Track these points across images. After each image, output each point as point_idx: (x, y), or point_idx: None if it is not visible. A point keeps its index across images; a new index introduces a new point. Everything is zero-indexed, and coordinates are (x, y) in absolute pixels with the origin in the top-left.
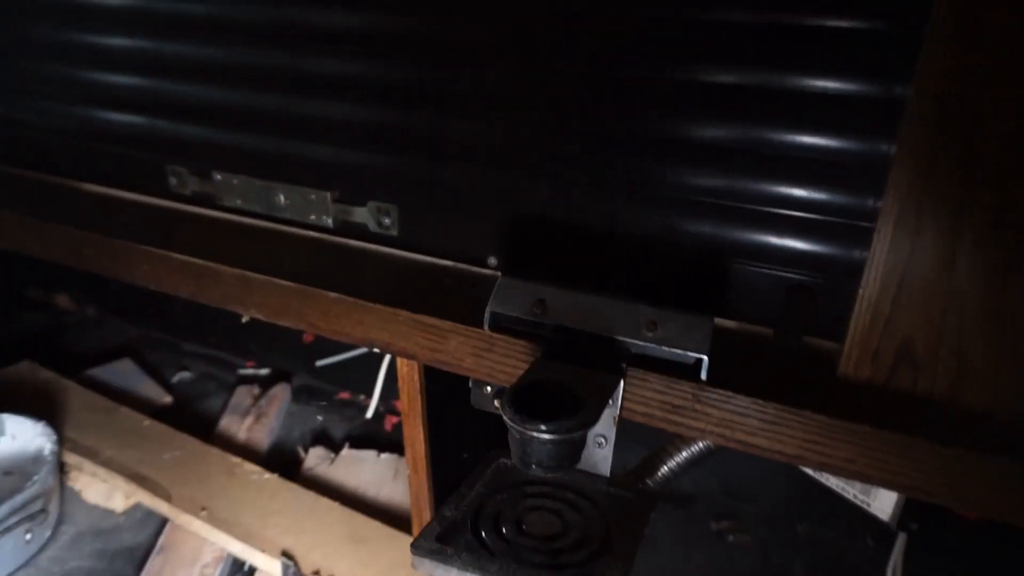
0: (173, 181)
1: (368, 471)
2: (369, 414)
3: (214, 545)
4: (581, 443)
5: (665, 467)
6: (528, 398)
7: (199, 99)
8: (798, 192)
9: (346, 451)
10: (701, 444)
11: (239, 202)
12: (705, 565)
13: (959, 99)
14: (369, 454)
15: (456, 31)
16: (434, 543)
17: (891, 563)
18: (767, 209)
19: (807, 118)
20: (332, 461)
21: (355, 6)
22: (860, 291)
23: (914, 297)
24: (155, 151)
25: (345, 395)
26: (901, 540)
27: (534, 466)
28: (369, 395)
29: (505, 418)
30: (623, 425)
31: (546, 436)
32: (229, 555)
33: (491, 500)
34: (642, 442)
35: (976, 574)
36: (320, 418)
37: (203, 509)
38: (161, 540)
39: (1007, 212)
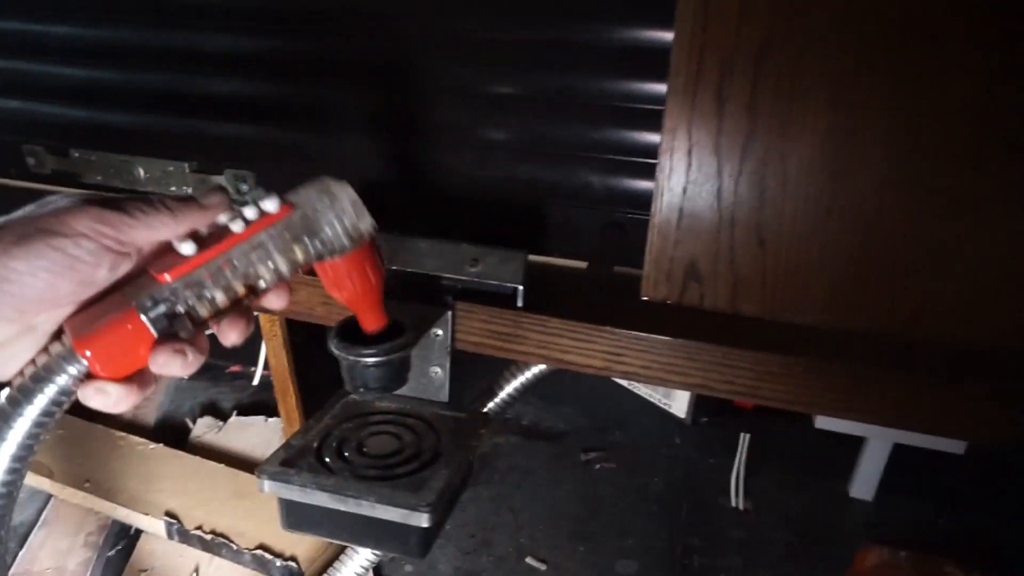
0: (31, 161)
1: (256, 435)
2: (255, 381)
3: (99, 514)
4: (402, 366)
5: (503, 392)
6: (354, 330)
7: (52, 78)
8: (602, 135)
9: (234, 419)
10: (533, 371)
11: (99, 178)
12: (575, 491)
13: (709, 44)
14: (257, 419)
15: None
16: (278, 466)
17: (736, 463)
18: (576, 153)
19: (601, 67)
20: (220, 429)
21: None
22: (652, 220)
23: (694, 222)
24: (10, 132)
25: (235, 368)
26: (744, 441)
27: (361, 389)
28: (255, 365)
29: (331, 347)
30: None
31: (365, 360)
32: (114, 521)
33: (337, 429)
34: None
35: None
36: (209, 391)
37: (87, 482)
38: (44, 515)
39: (753, 140)
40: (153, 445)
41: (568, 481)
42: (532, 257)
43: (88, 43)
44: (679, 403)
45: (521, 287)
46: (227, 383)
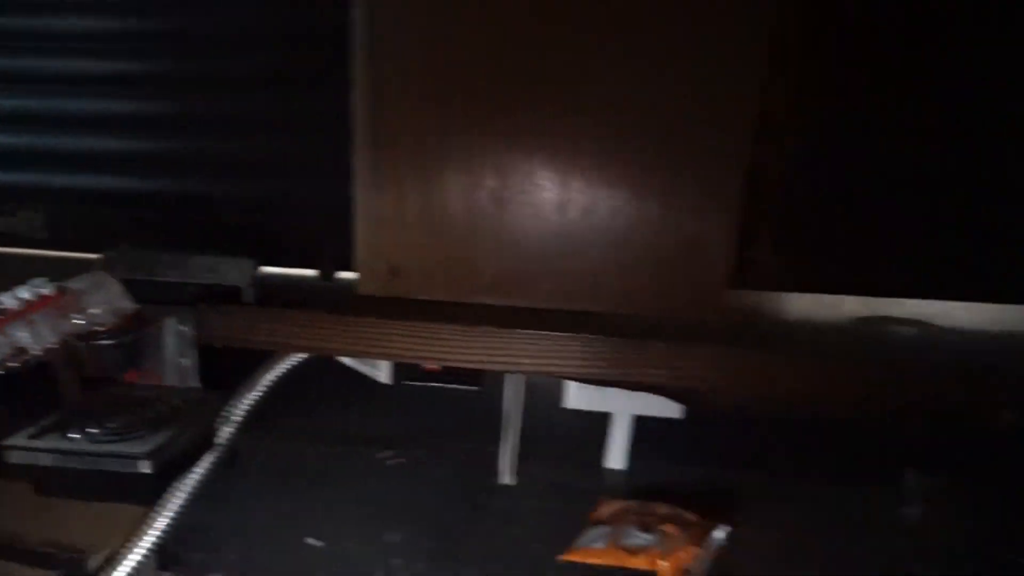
0: None
1: None
2: None
3: None
4: (133, 350)
5: (262, 381)
6: None
7: None
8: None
9: None
10: (286, 362)
11: None
12: (363, 485)
13: (381, 120)
14: None
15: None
16: (24, 440)
17: (503, 444)
18: (309, 185)
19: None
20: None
21: None
22: (356, 233)
23: (387, 232)
24: None
25: None
26: (510, 423)
27: (95, 370)
28: None
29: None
30: None
31: (99, 343)
32: None
33: (89, 411)
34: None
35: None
36: None
37: None
38: None
39: (419, 175)
40: None
41: (358, 478)
42: (277, 269)
43: None
44: (383, 372)
45: (249, 288)
46: None
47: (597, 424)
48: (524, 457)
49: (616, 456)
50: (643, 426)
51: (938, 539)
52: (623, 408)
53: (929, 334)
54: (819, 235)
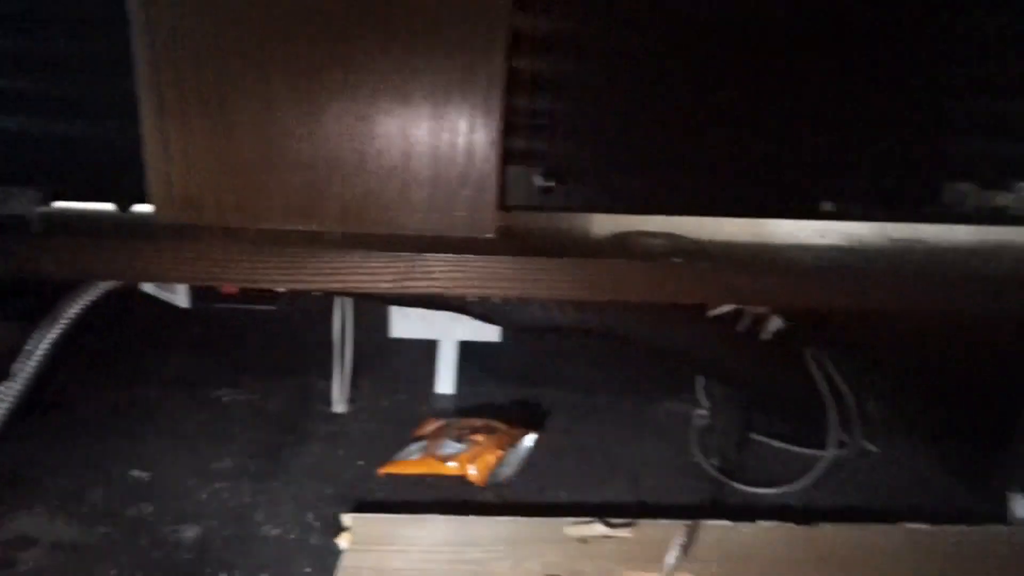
0: None
1: None
2: None
3: None
4: None
5: (72, 306)
6: None
7: None
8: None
9: None
10: (92, 293)
11: None
12: (205, 424)
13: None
14: None
15: None
16: None
17: (336, 374)
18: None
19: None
20: None
21: None
22: (147, 173)
23: (177, 159)
24: None
25: None
26: (344, 353)
27: None
28: None
29: None
30: None
31: None
32: None
33: None
34: None
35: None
36: None
37: None
38: None
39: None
40: None
41: (200, 415)
42: (72, 204)
43: None
44: (181, 296)
45: (35, 217)
46: None
47: (427, 352)
48: (356, 384)
49: (444, 381)
50: (468, 351)
51: (717, 435)
52: (446, 334)
53: (680, 245)
54: (579, 156)
